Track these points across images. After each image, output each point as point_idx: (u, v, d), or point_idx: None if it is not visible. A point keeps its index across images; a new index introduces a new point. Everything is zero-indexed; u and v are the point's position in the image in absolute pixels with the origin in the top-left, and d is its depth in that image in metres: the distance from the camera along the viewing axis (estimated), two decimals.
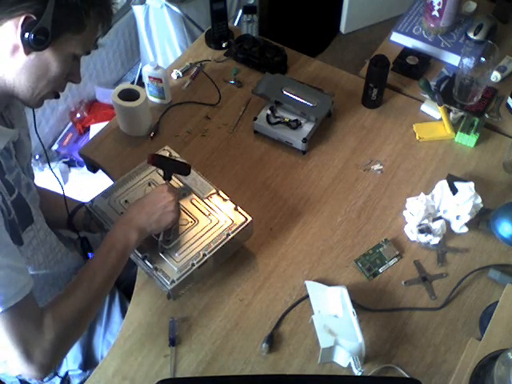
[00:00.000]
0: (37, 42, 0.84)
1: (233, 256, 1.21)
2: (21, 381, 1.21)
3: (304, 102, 1.40)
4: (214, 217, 1.16)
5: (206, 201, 1.18)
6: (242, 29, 1.65)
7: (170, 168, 1.17)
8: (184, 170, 1.20)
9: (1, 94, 0.92)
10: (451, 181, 1.28)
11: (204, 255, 1.10)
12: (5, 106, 0.98)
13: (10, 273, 0.88)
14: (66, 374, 1.23)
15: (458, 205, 1.23)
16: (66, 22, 0.87)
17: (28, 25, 0.83)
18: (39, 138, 1.11)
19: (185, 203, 1.18)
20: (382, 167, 1.38)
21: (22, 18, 0.83)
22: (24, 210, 0.99)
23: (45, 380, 1.21)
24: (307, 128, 1.39)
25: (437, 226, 1.22)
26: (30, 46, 0.85)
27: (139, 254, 1.10)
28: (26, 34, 0.84)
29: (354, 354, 1.02)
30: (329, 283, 1.17)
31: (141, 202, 1.10)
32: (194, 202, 1.18)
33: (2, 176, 0.93)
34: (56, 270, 1.15)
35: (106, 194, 1.20)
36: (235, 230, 1.13)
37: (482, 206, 1.24)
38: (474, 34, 1.60)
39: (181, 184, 1.21)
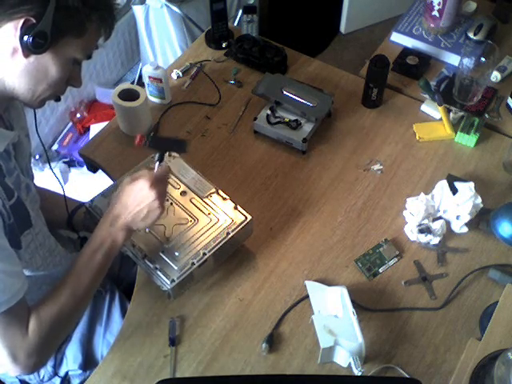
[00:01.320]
0: (35, 45, 0.84)
1: (233, 256, 1.21)
2: (21, 381, 1.21)
3: (304, 101, 1.40)
4: (214, 216, 1.16)
5: (205, 200, 1.18)
6: (242, 29, 1.65)
7: (165, 146, 1.08)
8: (180, 146, 1.09)
9: (1, 96, 0.92)
10: (451, 181, 1.28)
11: (204, 254, 1.10)
12: (4, 108, 0.98)
13: (4, 278, 0.88)
14: (66, 374, 1.23)
15: (458, 205, 1.23)
16: (67, 26, 0.86)
17: (27, 28, 0.83)
18: (40, 139, 1.10)
19: (184, 202, 1.18)
20: (382, 167, 1.38)
21: (22, 21, 0.82)
22: (23, 214, 0.99)
23: (45, 380, 1.21)
24: (307, 128, 1.39)
25: (437, 226, 1.22)
26: (28, 49, 0.85)
27: (139, 254, 1.10)
28: (25, 37, 0.83)
29: (354, 353, 1.02)
30: (329, 283, 1.17)
31: (124, 200, 1.01)
32: (193, 201, 1.18)
33: (2, 179, 0.93)
34: (54, 272, 1.15)
35: (105, 193, 1.20)
36: (235, 229, 1.13)
37: (481, 206, 1.24)
38: (474, 34, 1.60)
39: (180, 184, 1.21)
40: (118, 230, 1.02)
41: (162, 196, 1.02)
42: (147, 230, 1.11)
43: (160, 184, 1.02)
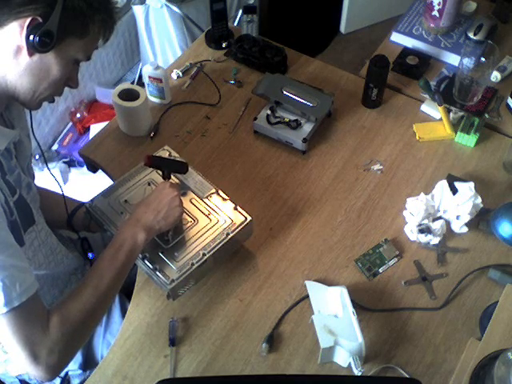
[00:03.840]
0: (41, 44, 0.85)
1: (233, 256, 1.21)
2: (21, 381, 1.21)
3: (304, 102, 1.40)
4: (214, 216, 1.16)
5: (205, 200, 1.18)
6: (242, 29, 1.65)
7: (168, 167, 1.16)
8: (182, 168, 1.19)
9: (2, 94, 0.92)
10: (451, 181, 1.28)
11: (204, 255, 1.10)
12: (5, 107, 0.99)
13: (14, 273, 0.87)
14: (66, 374, 1.23)
15: (458, 205, 1.23)
16: (71, 27, 0.87)
17: (34, 27, 0.84)
18: (37, 141, 1.11)
19: (184, 203, 1.17)
20: (382, 167, 1.38)
21: (29, 20, 0.83)
22: (25, 210, 1.00)
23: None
24: (307, 128, 1.39)
25: (437, 226, 1.22)
26: (34, 48, 0.86)
27: (139, 254, 1.10)
28: (31, 36, 0.84)
29: (354, 353, 1.02)
30: (329, 283, 1.17)
31: (145, 201, 1.09)
32: (193, 201, 1.18)
33: (4, 177, 0.93)
34: (55, 271, 1.15)
35: (105, 193, 1.20)
36: (235, 230, 1.13)
37: (481, 206, 1.24)
38: (474, 34, 1.60)
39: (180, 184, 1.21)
40: (139, 231, 1.04)
41: (180, 199, 1.11)
42: (170, 235, 1.11)
43: (177, 188, 1.11)
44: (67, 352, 0.94)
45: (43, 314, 0.91)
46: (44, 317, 0.91)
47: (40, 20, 0.83)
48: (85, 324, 0.96)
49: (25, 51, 0.86)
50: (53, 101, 0.99)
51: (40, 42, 0.84)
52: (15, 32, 0.84)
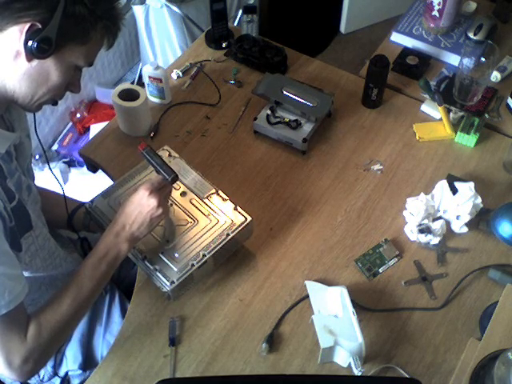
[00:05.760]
0: (39, 50, 0.84)
1: (233, 256, 1.21)
2: (21, 382, 1.21)
3: (304, 102, 1.40)
4: (214, 217, 1.16)
5: (205, 201, 1.18)
6: (242, 29, 1.65)
7: (154, 164, 1.07)
8: (167, 175, 1.05)
9: (1, 98, 0.92)
10: (451, 181, 1.28)
11: (204, 255, 1.10)
12: (5, 109, 0.98)
13: (5, 281, 0.88)
14: (66, 374, 1.23)
15: (458, 205, 1.23)
16: (72, 33, 0.86)
17: (32, 32, 0.83)
18: (39, 141, 1.10)
19: (184, 203, 1.18)
20: (381, 167, 1.38)
21: (28, 25, 0.83)
22: (23, 216, 0.99)
23: (45, 380, 1.21)
24: (307, 128, 1.39)
25: (437, 226, 1.22)
26: (32, 54, 0.85)
27: (139, 255, 1.10)
28: (30, 42, 0.83)
29: (354, 353, 1.02)
30: (329, 283, 1.17)
31: (126, 210, 1.04)
32: (193, 202, 1.18)
33: (3, 182, 0.93)
34: (54, 273, 1.15)
35: (105, 194, 1.20)
36: (235, 230, 1.13)
37: (481, 206, 1.24)
38: (474, 34, 1.60)
39: (180, 185, 1.21)
40: (122, 241, 1.03)
41: (164, 202, 1.06)
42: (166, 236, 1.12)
43: (161, 190, 1.05)
44: (42, 359, 0.97)
45: (24, 322, 0.93)
46: (24, 326, 0.92)
47: (39, 26, 0.83)
48: (61, 333, 0.99)
49: (23, 56, 0.85)
50: (55, 104, 0.98)
51: (38, 48, 0.83)
52: (14, 37, 0.84)
